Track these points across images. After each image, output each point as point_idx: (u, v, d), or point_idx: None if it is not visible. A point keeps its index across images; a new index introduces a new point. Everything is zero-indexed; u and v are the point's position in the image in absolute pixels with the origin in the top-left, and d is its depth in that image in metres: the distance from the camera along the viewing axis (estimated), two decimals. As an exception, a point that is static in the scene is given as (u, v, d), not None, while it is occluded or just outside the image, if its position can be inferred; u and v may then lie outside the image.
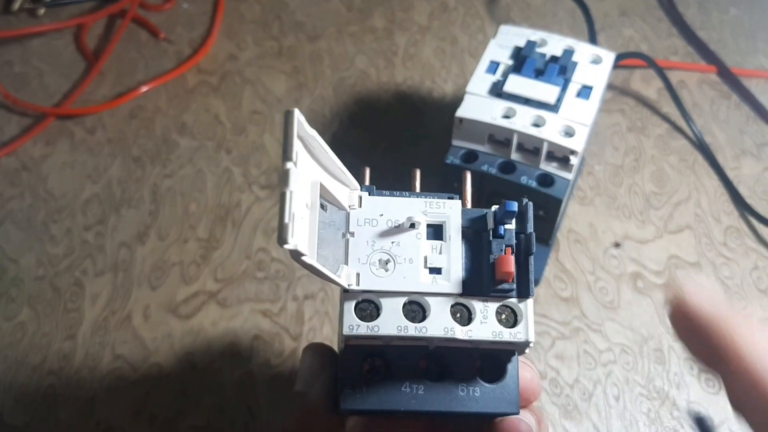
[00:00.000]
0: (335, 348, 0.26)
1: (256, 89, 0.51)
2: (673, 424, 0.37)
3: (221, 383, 0.38)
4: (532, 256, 0.23)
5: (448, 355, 0.24)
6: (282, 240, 0.19)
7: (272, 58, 0.53)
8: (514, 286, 0.23)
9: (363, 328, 0.22)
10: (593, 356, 0.39)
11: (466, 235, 0.24)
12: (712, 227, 0.44)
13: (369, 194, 0.24)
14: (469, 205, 0.25)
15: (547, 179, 0.35)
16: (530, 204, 0.24)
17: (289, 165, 0.20)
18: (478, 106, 0.36)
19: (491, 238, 0.23)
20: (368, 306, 0.23)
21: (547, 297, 0.41)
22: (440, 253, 0.23)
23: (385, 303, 0.23)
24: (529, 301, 0.23)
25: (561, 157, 0.35)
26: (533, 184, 0.35)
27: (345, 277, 0.23)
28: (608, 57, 0.39)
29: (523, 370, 0.25)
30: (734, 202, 0.45)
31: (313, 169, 0.22)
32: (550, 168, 0.36)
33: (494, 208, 0.24)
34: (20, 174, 0.47)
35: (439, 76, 0.52)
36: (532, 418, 0.25)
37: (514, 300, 0.23)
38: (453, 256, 0.23)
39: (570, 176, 0.35)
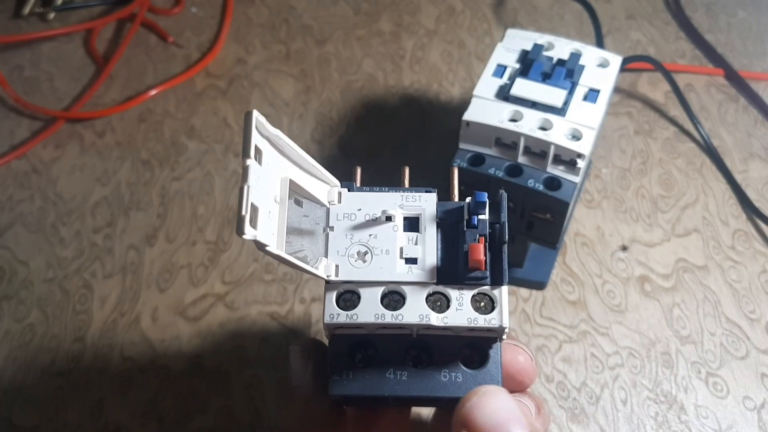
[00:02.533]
0: (321, 340, 0.27)
1: (264, 92, 0.52)
2: (680, 428, 0.37)
3: (229, 385, 0.38)
4: (505, 245, 0.24)
5: (432, 343, 0.24)
6: (239, 231, 0.20)
7: (280, 61, 0.54)
8: (488, 273, 0.24)
9: (342, 317, 0.23)
10: (600, 360, 0.39)
11: (442, 226, 0.25)
12: (719, 230, 0.44)
13: (348, 190, 0.25)
14: (456, 200, 0.26)
15: (554, 182, 0.35)
16: (505, 195, 0.24)
17: (248, 162, 0.21)
18: (485, 109, 0.36)
19: (465, 228, 0.24)
20: (351, 296, 0.24)
21: (554, 300, 0.41)
22: (416, 244, 0.24)
23: (364, 293, 0.24)
24: (504, 288, 0.24)
25: (568, 160, 0.35)
26: (540, 187, 0.35)
27: (323, 269, 0.24)
28: (615, 60, 0.39)
29: (516, 353, 0.26)
30: (742, 205, 0.45)
31: (284, 167, 0.23)
32: (557, 171, 0.35)
33: (468, 199, 0.24)
34: (30, 177, 0.47)
35: (446, 80, 0.52)
36: (532, 403, 0.25)
37: (489, 287, 0.24)
38: (428, 247, 0.24)
39: (577, 179, 0.35)
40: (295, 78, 0.53)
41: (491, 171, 0.36)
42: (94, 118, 0.50)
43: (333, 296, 0.24)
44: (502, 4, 0.57)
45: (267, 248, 0.21)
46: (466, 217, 0.24)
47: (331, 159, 0.48)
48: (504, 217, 0.24)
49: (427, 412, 0.31)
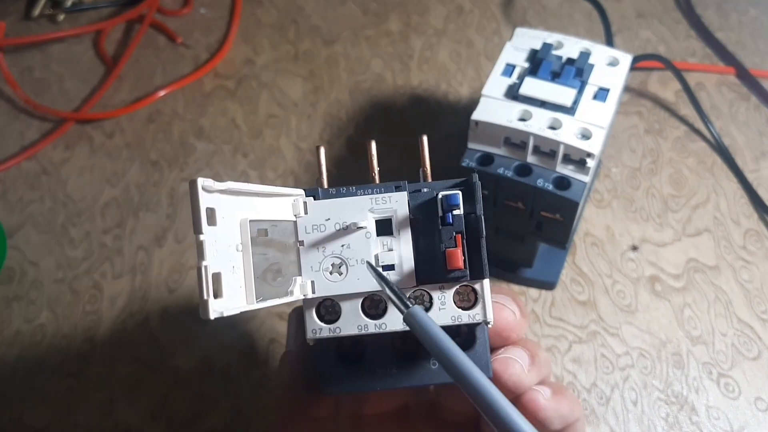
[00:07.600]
0: None
1: (272, 93, 0.52)
2: (692, 429, 0.36)
3: (238, 386, 0.38)
4: (483, 239, 0.23)
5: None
6: (204, 314, 0.19)
7: (288, 62, 0.54)
8: (467, 272, 0.23)
9: (325, 331, 0.23)
10: (610, 360, 0.39)
11: (416, 223, 0.24)
12: (731, 230, 0.44)
13: (314, 199, 0.24)
14: (429, 177, 0.25)
15: (563, 182, 0.35)
16: (479, 183, 0.23)
17: (201, 237, 0.19)
18: (493, 108, 0.36)
19: (440, 226, 0.23)
20: (331, 304, 0.23)
21: (564, 300, 0.41)
22: (390, 249, 0.24)
23: (344, 305, 0.23)
24: (485, 282, 0.23)
25: (577, 159, 0.35)
26: (549, 187, 0.35)
27: (299, 290, 0.23)
28: (625, 59, 0.38)
29: (501, 311, 0.25)
30: (754, 204, 0.45)
31: (241, 206, 0.22)
32: (567, 171, 0.35)
33: (440, 195, 0.24)
34: (40, 178, 0.47)
35: (455, 80, 0.52)
36: (524, 353, 0.25)
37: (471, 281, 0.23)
38: (403, 250, 0.24)
39: (587, 179, 0.35)
40: (303, 78, 0.53)
41: (500, 171, 0.36)
42: (104, 119, 0.50)
43: (312, 311, 0.23)
44: (510, 4, 0.57)
45: (241, 311, 0.20)
46: (440, 213, 0.23)
47: (339, 159, 0.47)
48: (479, 208, 0.23)
49: None
